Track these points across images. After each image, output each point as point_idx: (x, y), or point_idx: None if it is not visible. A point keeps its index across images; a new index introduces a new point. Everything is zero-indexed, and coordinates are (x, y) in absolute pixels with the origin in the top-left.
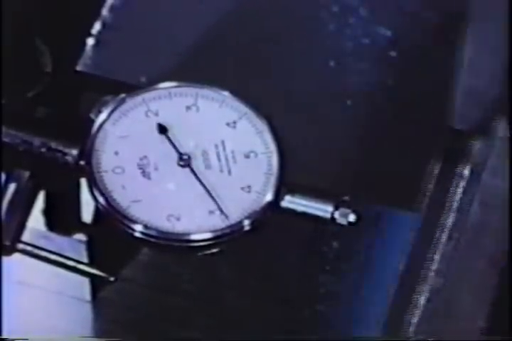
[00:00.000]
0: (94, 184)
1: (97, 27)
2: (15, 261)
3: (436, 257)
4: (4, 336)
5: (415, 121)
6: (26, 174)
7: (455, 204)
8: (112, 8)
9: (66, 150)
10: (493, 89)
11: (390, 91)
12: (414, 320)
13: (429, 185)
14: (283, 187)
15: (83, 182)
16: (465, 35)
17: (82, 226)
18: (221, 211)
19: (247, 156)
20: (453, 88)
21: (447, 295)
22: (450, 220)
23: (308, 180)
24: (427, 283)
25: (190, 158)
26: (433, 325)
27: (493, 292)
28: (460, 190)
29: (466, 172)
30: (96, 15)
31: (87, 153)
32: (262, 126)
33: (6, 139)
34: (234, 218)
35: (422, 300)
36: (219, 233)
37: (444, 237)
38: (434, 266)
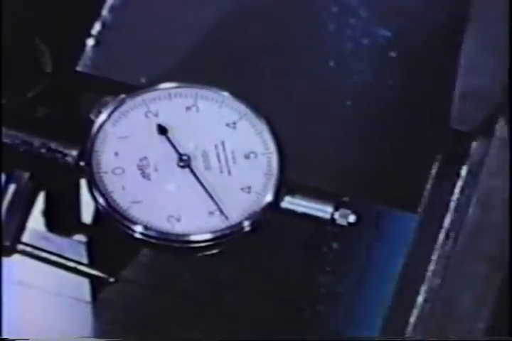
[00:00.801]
0: (94, 185)
1: (97, 27)
2: (15, 262)
3: (434, 257)
4: (4, 336)
5: (414, 121)
6: (26, 175)
7: (453, 204)
8: (112, 9)
9: (66, 150)
10: (492, 89)
11: (388, 92)
12: (412, 320)
13: (428, 185)
14: (283, 187)
15: (83, 182)
16: (464, 35)
17: (82, 227)
18: (221, 212)
19: (246, 157)
20: (452, 88)
21: (445, 296)
22: (448, 220)
23: (307, 180)
24: (425, 283)
25: (190, 159)
26: (430, 326)
27: (493, 293)
28: (458, 190)
29: (464, 172)
30: (96, 15)
31: (87, 153)
32: (262, 127)
33: (6, 140)
34: (234, 219)
35: (419, 300)
36: (219, 234)
37: (442, 237)
38: (432, 266)
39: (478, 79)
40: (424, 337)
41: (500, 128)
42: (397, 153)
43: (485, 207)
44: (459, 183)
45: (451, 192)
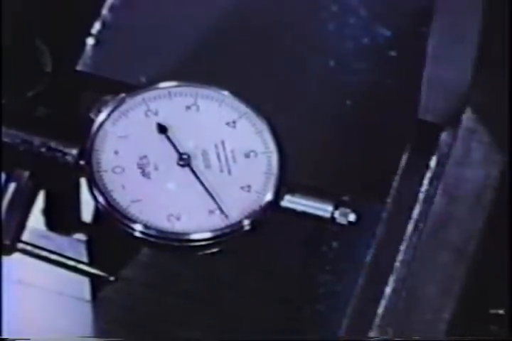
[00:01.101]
0: (94, 183)
1: (96, 27)
2: (15, 261)
3: (403, 248)
4: (4, 336)
5: (382, 112)
6: (26, 174)
7: (422, 196)
8: (112, 8)
9: (66, 149)
10: (458, 79)
11: (357, 85)
12: (380, 310)
13: (397, 176)
14: (283, 186)
15: (83, 181)
16: (431, 26)
17: (81, 226)
18: (221, 210)
19: (246, 156)
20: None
21: (410, 286)
22: (417, 211)
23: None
24: (393, 273)
25: (190, 158)
26: (397, 316)
27: (458, 283)
28: (427, 181)
29: (433, 163)
30: (96, 14)
31: (87, 152)
32: (262, 126)
33: (6, 139)
34: (234, 218)
35: (388, 290)
36: (219, 233)
37: (411, 228)
38: (400, 257)
39: (444, 69)
40: (391, 327)
41: (467, 118)
42: (365, 144)
43: (451, 198)
44: (428, 174)
45: (420, 183)
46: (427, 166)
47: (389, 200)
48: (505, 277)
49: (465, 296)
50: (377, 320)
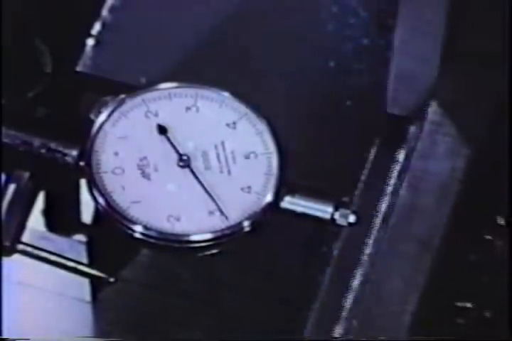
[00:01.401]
0: (93, 185)
1: (97, 27)
2: (15, 262)
3: (370, 241)
4: (4, 336)
5: (351, 106)
6: (26, 175)
7: (390, 189)
8: (112, 9)
9: (66, 150)
10: (424, 73)
11: (326, 77)
12: (347, 303)
13: (365, 170)
14: (283, 187)
15: (83, 182)
16: (397, 19)
17: (81, 227)
18: (221, 212)
19: (246, 157)
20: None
21: (376, 278)
22: (385, 204)
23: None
24: (361, 266)
25: (190, 159)
26: (363, 309)
27: (423, 275)
28: (395, 175)
29: (401, 156)
30: (96, 15)
31: (87, 153)
32: (262, 127)
33: (6, 140)
34: (234, 219)
35: (355, 283)
36: (219, 234)
37: (379, 221)
38: (368, 250)
39: (411, 63)
40: (357, 319)
41: (433, 111)
42: (334, 138)
43: (416, 190)
44: (396, 168)
45: (388, 177)
46: (395, 159)
47: (357, 193)
48: (470, 270)
49: (430, 289)
50: (344, 313)
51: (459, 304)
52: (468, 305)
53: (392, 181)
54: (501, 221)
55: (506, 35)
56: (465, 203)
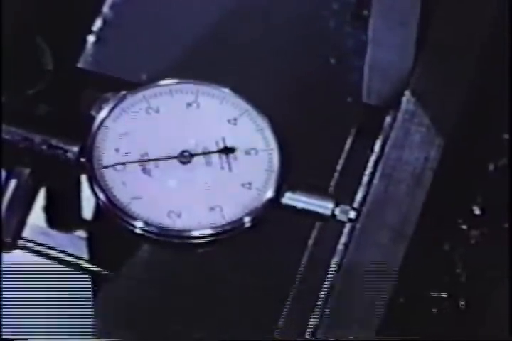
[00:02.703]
0: (94, 181)
1: (97, 24)
2: (15, 258)
3: (346, 230)
4: (4, 336)
5: (327, 96)
6: (27, 171)
7: (366, 179)
8: (113, 6)
9: (67, 147)
10: (399, 62)
11: (303, 67)
12: (322, 293)
13: (341, 160)
14: (283, 184)
15: (84, 178)
16: (371, 9)
17: (82, 223)
18: (221, 208)
19: (247, 153)
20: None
21: (349, 268)
22: (360, 194)
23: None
24: (336, 256)
25: (191, 155)
26: (336, 298)
27: (397, 265)
28: (371, 164)
29: (377, 146)
30: (97, 12)
31: (88, 149)
32: (263, 123)
33: (6, 136)
34: (234, 215)
35: (330, 273)
36: (219, 230)
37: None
38: (343, 240)
39: (385, 53)
40: (330, 309)
41: (407, 101)
42: (310, 128)
43: (390, 180)
44: (372, 157)
45: (364, 167)
46: (372, 149)
47: (332, 183)
48: (445, 259)
49: (404, 278)
50: (319, 303)
51: (434, 294)
52: (443, 294)
53: (368, 171)
54: (476, 210)
55: (479, 25)
56: (439, 193)
